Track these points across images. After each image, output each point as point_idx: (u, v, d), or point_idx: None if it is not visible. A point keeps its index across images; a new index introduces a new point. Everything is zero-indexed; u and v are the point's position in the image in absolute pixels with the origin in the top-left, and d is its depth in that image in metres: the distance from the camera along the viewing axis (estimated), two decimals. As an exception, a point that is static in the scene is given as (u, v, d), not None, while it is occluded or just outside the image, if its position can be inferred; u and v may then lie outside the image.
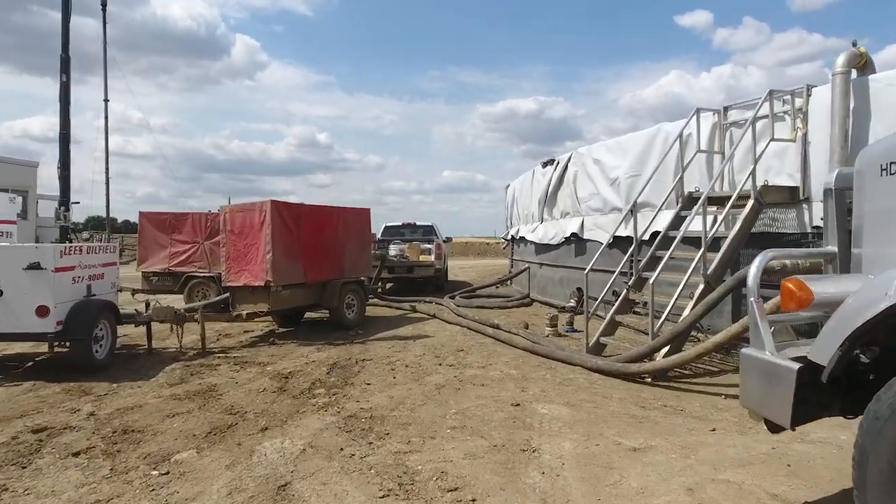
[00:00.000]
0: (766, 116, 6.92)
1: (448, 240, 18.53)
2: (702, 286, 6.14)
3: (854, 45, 6.23)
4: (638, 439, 4.17)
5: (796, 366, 2.63)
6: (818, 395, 2.66)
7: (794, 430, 2.69)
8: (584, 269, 11.30)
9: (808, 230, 6.69)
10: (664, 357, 5.72)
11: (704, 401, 5.11)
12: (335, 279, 9.41)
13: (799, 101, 6.73)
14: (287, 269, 8.55)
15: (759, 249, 7.34)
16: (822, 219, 6.70)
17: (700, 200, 6.24)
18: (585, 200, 10.92)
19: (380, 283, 14.02)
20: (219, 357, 7.30)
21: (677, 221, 7.48)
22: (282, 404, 5.23)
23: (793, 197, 6.74)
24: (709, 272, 6.17)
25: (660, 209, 7.65)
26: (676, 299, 6.06)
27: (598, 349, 7.00)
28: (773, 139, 6.73)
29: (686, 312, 6.03)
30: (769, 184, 6.69)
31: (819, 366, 2.59)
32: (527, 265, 14.66)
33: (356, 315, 9.74)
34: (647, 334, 6.64)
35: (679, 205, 7.55)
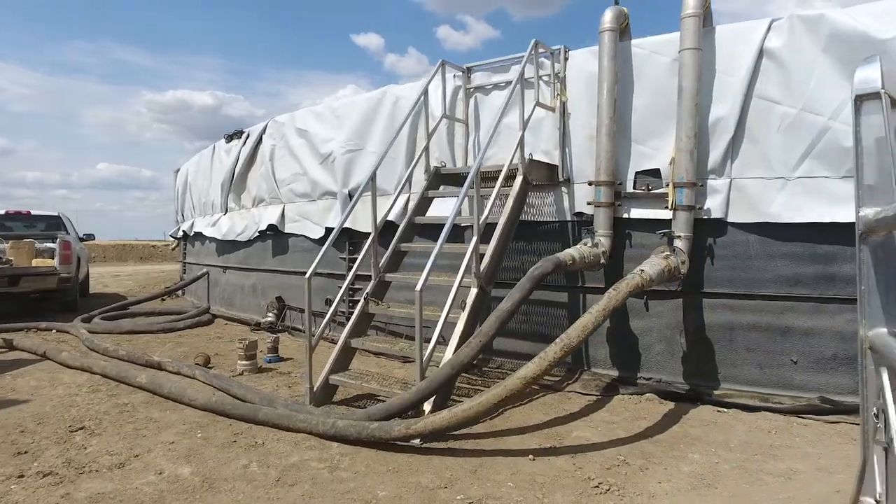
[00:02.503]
0: (530, 78, 5.64)
1: (88, 238, 13.41)
2: (474, 292, 4.37)
3: (616, 2, 5.39)
4: None
5: None
6: None
7: None
8: (284, 271, 8.86)
9: (569, 217, 5.65)
10: (444, 409, 3.69)
11: (514, 472, 3.25)
12: None
13: (556, 66, 5.64)
14: None
15: (517, 242, 6.10)
16: (589, 203, 5.29)
17: (470, 176, 4.45)
18: (287, 183, 8.38)
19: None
20: None
21: (423, 205, 5.67)
22: None
23: (551, 177, 5.62)
24: (482, 270, 4.45)
25: (401, 191, 5.70)
26: (448, 312, 4.10)
27: (327, 394, 4.61)
28: (538, 104, 5.46)
29: (459, 329, 4.16)
30: (532, 159, 5.39)
31: None
32: (205, 269, 11.24)
33: None
34: (400, 360, 4.59)
35: (425, 184, 5.74)
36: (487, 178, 5.78)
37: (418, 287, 3.78)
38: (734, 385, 4.92)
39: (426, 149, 5.72)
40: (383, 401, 3.89)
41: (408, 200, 6.62)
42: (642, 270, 4.02)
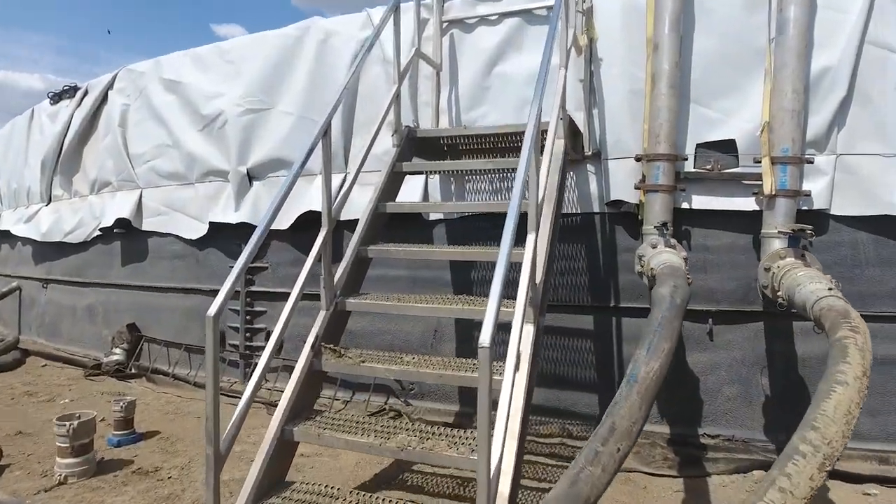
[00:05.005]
0: (536, 9, 3.92)
1: None
2: (531, 331, 2.44)
3: None
4: None
5: None
6: None
7: None
8: (141, 286, 6.17)
9: (597, 208, 3.96)
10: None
11: None
12: None
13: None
14: None
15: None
16: (637, 186, 2.81)
17: (529, 136, 2.66)
18: (148, 159, 5.79)
19: None
20: None
21: (393, 185, 3.62)
22: None
23: (574, 149, 3.89)
24: (538, 289, 2.53)
25: (360, 168, 3.61)
26: (515, 372, 2.13)
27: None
28: (575, 40, 3.67)
29: (518, 403, 2.20)
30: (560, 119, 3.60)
31: None
32: (16, 283, 7.97)
33: None
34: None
35: (395, 152, 3.69)
36: (484, 149, 3.94)
37: (486, 340, 1.74)
38: (839, 442, 3.53)
39: (396, 98, 3.66)
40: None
41: (343, 183, 4.55)
42: (831, 289, 2.40)
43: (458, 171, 4.19)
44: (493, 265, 2.06)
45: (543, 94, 2.65)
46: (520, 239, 2.22)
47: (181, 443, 3.73)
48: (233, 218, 5.14)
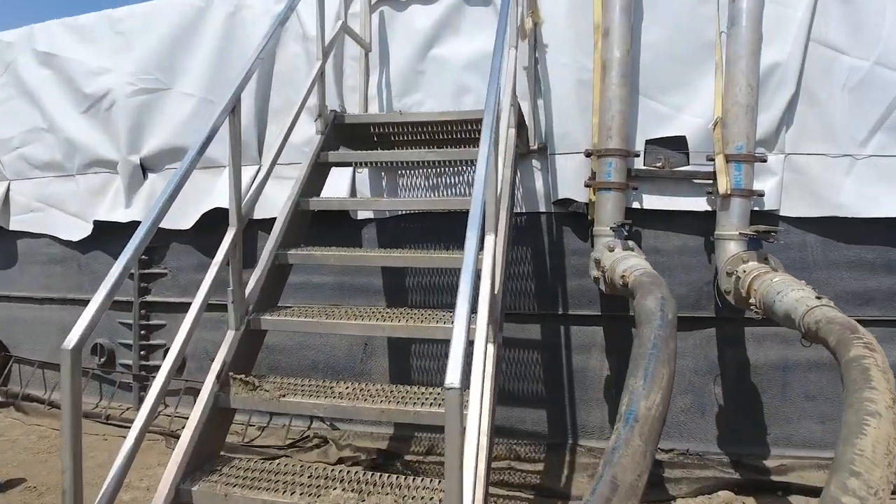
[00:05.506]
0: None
1: None
2: (493, 352, 2.05)
3: None
4: None
5: None
6: None
7: None
8: (7, 297, 5.17)
9: (544, 207, 3.65)
10: None
11: None
12: None
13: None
14: None
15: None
16: (587, 184, 2.82)
17: (488, 124, 2.19)
18: (16, 146, 4.89)
19: None
20: None
21: (317, 179, 3.11)
22: None
23: (519, 142, 3.56)
24: (497, 301, 2.14)
25: (276, 157, 3.06)
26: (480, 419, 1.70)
27: None
28: (521, 24, 3.31)
29: (482, 440, 1.79)
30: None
31: None
32: None
33: None
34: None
35: (319, 140, 3.16)
36: (420, 140, 3.53)
37: (454, 380, 1.29)
38: (789, 450, 3.44)
39: (320, 77, 3.14)
40: None
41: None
42: (820, 297, 2.17)
43: (390, 165, 3.73)
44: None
45: (501, 73, 2.26)
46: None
47: (52, 493, 3.01)
48: (123, 216, 4.39)
